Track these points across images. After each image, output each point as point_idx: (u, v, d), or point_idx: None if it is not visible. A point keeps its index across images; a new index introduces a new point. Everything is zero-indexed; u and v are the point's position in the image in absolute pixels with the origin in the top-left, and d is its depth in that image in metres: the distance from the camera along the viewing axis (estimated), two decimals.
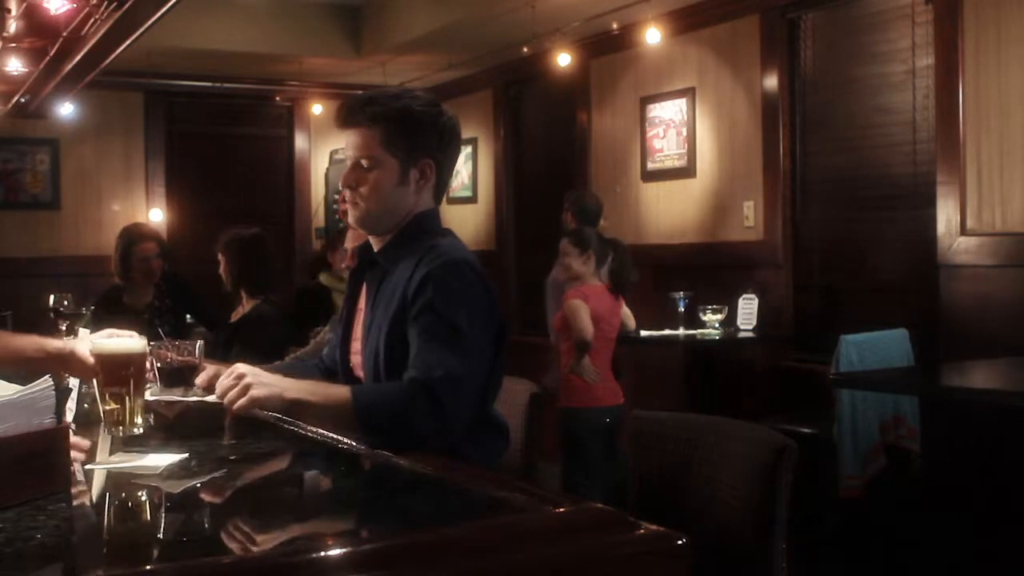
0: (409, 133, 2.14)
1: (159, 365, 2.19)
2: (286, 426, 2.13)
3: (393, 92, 2.22)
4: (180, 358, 2.19)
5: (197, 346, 2.22)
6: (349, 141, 2.18)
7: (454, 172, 2.33)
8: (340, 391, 2.01)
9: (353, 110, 2.16)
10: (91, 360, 2.04)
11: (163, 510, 1.65)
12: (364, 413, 1.96)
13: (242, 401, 1.93)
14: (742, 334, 5.22)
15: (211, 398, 2.20)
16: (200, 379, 2.17)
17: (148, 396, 2.22)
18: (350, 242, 3.09)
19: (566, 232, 4.80)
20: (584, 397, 4.45)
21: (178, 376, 2.19)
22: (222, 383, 1.98)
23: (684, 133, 5.85)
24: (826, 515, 4.15)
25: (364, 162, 2.15)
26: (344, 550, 1.27)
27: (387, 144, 2.13)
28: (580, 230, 4.80)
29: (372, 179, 2.15)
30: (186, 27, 6.36)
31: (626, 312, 4.76)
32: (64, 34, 4.49)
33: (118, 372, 2.00)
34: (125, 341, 2.06)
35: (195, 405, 2.19)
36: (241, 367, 1.99)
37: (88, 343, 2.09)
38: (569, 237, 4.62)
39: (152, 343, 2.19)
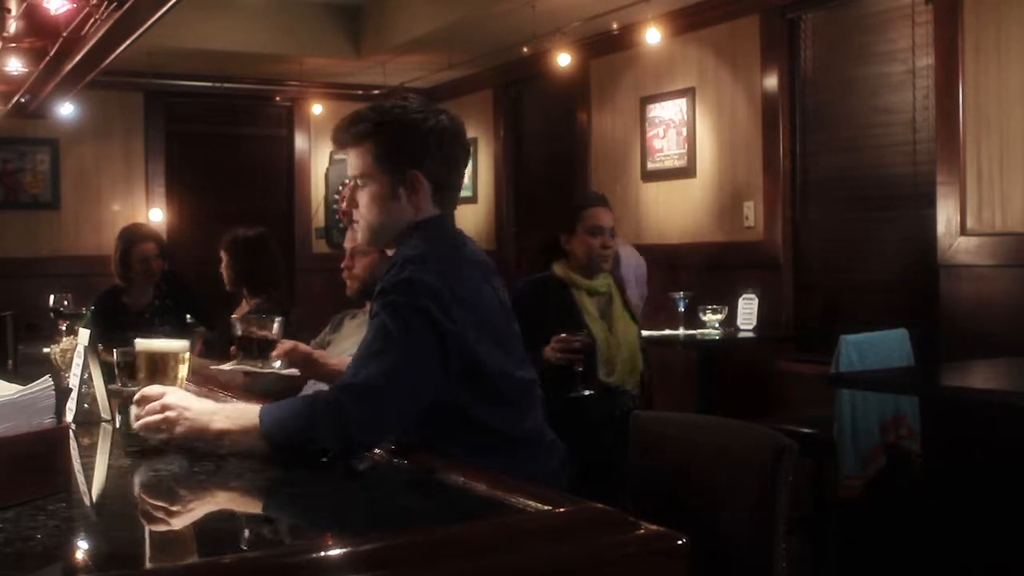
0: (392, 147, 2.12)
1: (241, 336, 2.41)
2: None
3: (379, 107, 2.16)
4: (260, 332, 2.41)
5: (277, 323, 2.45)
6: (347, 161, 2.21)
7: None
8: (252, 415, 1.91)
9: (341, 132, 2.18)
10: None
11: (163, 509, 1.65)
12: (270, 430, 1.88)
13: (162, 436, 1.93)
14: (742, 334, 5.22)
15: (287, 371, 2.45)
16: (277, 351, 2.40)
17: (227, 366, 2.47)
18: (348, 242, 3.12)
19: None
20: None
21: (257, 349, 2.40)
22: (150, 411, 1.95)
23: (684, 133, 5.85)
24: (826, 515, 4.15)
25: (358, 180, 2.17)
26: (344, 550, 1.27)
27: (376, 160, 2.13)
28: None
29: (365, 197, 2.16)
30: (186, 27, 6.36)
31: None
32: (64, 34, 4.49)
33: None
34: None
35: (270, 376, 2.44)
36: (170, 398, 1.95)
37: None
38: None
39: (238, 317, 2.48)
